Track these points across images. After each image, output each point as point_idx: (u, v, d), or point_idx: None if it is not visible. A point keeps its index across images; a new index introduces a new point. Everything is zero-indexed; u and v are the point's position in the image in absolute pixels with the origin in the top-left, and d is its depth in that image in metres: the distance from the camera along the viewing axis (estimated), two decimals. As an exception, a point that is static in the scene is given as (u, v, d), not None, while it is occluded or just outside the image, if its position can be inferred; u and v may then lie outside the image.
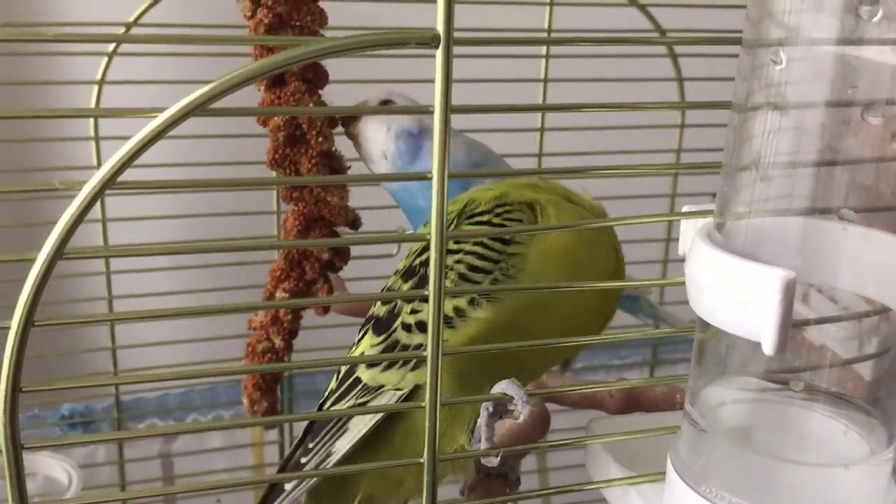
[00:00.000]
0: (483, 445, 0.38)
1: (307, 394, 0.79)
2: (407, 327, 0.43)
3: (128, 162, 0.27)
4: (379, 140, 0.61)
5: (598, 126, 0.69)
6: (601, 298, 0.46)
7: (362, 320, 0.49)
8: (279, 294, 0.58)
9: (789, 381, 0.34)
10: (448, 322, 0.41)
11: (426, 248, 0.43)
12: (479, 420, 0.39)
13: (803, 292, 0.33)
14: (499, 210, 0.44)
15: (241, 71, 0.28)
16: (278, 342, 0.60)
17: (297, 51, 0.28)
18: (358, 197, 0.59)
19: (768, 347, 0.28)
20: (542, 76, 0.72)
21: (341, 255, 0.58)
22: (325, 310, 0.62)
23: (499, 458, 0.37)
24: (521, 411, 0.36)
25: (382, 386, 0.43)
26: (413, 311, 0.43)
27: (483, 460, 0.38)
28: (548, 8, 0.71)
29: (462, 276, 0.43)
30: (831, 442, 0.32)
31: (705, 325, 0.32)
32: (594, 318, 0.47)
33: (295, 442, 0.47)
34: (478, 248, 0.43)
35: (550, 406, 0.60)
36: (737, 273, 0.29)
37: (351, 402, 0.44)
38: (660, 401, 0.52)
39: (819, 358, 0.34)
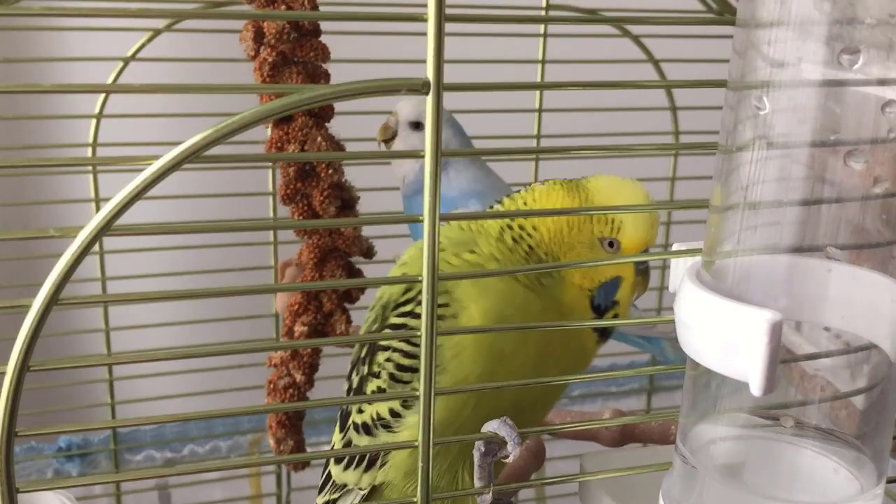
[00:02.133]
0: (478, 484, 0.38)
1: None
2: (356, 427, 0.43)
3: (121, 210, 0.28)
4: (413, 141, 0.63)
5: (590, 156, 0.69)
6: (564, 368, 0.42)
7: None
8: (298, 328, 0.58)
9: (780, 416, 0.34)
10: (387, 427, 0.41)
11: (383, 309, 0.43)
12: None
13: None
14: (411, 304, 0.41)
15: (234, 119, 0.28)
16: (299, 377, 0.59)
17: (289, 99, 0.29)
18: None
19: (756, 389, 0.28)
20: (536, 106, 0.72)
21: (357, 285, 0.59)
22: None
23: (490, 494, 0.37)
24: (511, 452, 0.36)
25: (346, 485, 0.44)
26: (359, 411, 0.43)
27: (478, 499, 0.38)
28: (541, 39, 0.71)
29: (392, 377, 0.41)
30: (822, 480, 0.32)
31: (695, 364, 0.32)
32: (557, 390, 0.44)
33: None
34: (404, 346, 0.41)
35: (544, 435, 0.60)
36: (724, 314, 0.29)
37: (326, 498, 0.45)
38: (655, 433, 0.52)
39: (810, 390, 0.34)
